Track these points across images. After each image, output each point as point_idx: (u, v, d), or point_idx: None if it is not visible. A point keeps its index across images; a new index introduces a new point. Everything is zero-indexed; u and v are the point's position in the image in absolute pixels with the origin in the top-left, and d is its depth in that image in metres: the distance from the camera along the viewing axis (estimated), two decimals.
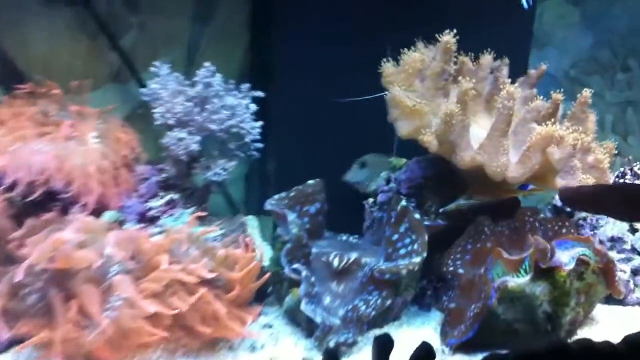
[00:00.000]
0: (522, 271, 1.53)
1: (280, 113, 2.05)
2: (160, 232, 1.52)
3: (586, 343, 1.28)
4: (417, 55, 1.69)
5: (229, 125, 1.73)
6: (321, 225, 1.69)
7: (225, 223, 1.68)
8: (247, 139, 1.78)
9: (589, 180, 1.64)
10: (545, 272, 1.51)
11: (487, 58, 1.78)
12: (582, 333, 1.64)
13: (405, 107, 1.62)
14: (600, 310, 1.73)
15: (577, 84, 2.35)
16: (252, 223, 2.28)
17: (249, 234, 1.71)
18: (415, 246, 1.57)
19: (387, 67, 1.69)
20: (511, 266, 1.53)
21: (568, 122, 1.73)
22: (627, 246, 1.83)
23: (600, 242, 1.84)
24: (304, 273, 1.50)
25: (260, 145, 1.84)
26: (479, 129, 1.70)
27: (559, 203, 2.05)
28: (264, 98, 1.85)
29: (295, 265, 1.52)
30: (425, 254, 1.56)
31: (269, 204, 1.63)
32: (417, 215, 1.59)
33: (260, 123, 1.82)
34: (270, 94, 1.88)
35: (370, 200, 1.93)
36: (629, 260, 1.79)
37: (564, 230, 1.71)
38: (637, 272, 1.77)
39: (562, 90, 1.72)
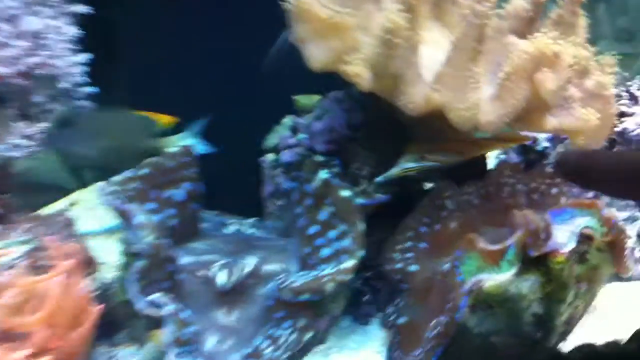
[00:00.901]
0: (504, 263, 1.06)
1: (123, 40, 1.43)
2: None
3: (588, 349, 1.10)
4: None
5: (30, 64, 1.11)
6: (195, 216, 1.13)
7: (38, 226, 1.09)
8: (64, 84, 1.16)
9: (591, 116, 1.16)
10: (535, 259, 1.07)
11: None
12: (578, 330, 1.21)
13: (319, 20, 1.06)
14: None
15: None
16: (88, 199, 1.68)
17: (79, 234, 1.13)
18: (346, 242, 1.06)
19: None
20: (490, 258, 1.07)
21: (554, 31, 1.22)
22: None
23: (595, 196, 1.39)
24: (168, 308, 0.96)
25: (91, 89, 1.23)
26: (428, 48, 1.17)
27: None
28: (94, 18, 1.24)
29: (154, 296, 0.97)
30: (362, 253, 1.05)
31: (103, 194, 1.04)
32: (345, 193, 1.07)
33: (85, 56, 1.20)
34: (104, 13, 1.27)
35: (270, 156, 1.38)
36: (633, 220, 1.36)
37: (554, 191, 1.24)
38: None
39: None
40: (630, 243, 1.35)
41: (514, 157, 1.62)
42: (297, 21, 1.09)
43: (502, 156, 1.71)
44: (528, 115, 1.15)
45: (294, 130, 1.36)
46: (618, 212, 1.38)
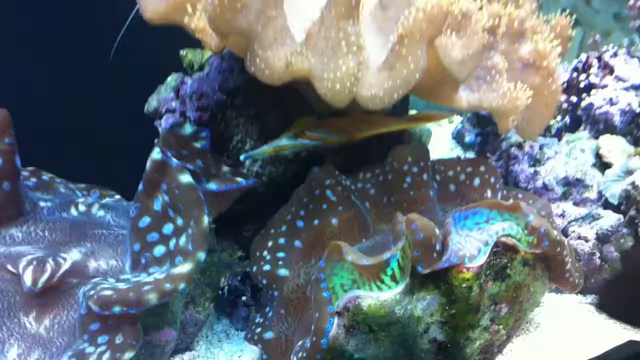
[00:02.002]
0: (386, 278, 0.88)
1: None
2: None
3: None
4: None
5: None
6: (14, 197, 0.97)
7: None
8: None
9: (520, 92, 0.95)
10: (434, 274, 0.89)
11: None
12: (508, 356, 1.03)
13: None
14: (543, 306, 1.15)
15: None
16: None
17: None
18: (183, 241, 0.88)
19: None
20: (366, 271, 0.87)
21: None
22: (592, 194, 1.17)
23: (545, 187, 1.17)
24: None
25: None
26: None
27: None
28: None
29: None
30: (202, 255, 0.88)
31: None
32: (185, 178, 0.88)
33: None
34: None
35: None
36: (593, 218, 1.14)
37: (476, 182, 1.03)
38: (605, 239, 1.13)
39: None
40: (587, 247, 1.14)
41: (468, 130, 1.41)
42: None
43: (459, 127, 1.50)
44: (435, 89, 0.95)
45: (178, 91, 1.17)
46: (574, 208, 1.17)
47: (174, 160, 0.89)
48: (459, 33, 0.87)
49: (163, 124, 1.16)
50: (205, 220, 0.89)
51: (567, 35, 1.05)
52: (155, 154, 0.89)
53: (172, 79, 1.18)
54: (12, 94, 1.33)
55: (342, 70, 0.85)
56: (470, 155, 1.53)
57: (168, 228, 0.90)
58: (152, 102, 1.18)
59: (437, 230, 0.87)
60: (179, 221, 0.89)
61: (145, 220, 0.90)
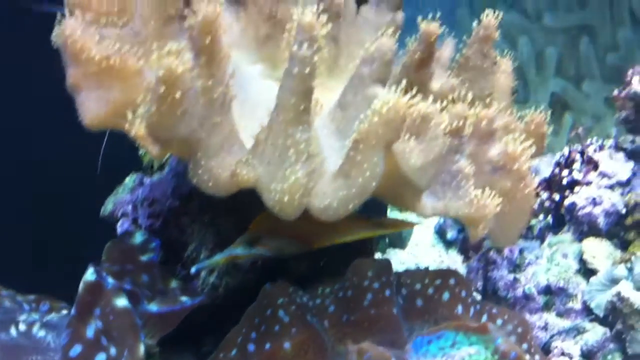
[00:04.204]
0: None
1: None
2: None
3: None
4: None
5: None
6: None
7: None
8: None
9: (491, 200, 0.87)
10: None
11: None
12: None
13: (91, 61, 0.80)
14: None
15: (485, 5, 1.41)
16: None
17: None
18: None
19: None
20: None
21: (454, 79, 0.94)
22: (576, 303, 1.07)
23: (525, 296, 1.08)
24: None
25: None
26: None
27: None
28: None
29: None
30: None
31: None
32: (120, 302, 0.80)
33: None
34: None
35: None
36: (578, 332, 1.04)
37: (445, 297, 0.94)
38: (591, 355, 1.02)
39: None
40: None
41: (450, 226, 1.32)
42: (68, 60, 0.83)
43: None
44: (397, 196, 0.87)
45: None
46: (558, 320, 1.07)
47: (110, 280, 0.81)
48: (418, 138, 0.80)
49: (119, 229, 1.08)
50: (141, 349, 0.80)
51: (543, 132, 0.98)
52: (89, 274, 0.80)
53: (130, 180, 1.11)
54: None
55: (290, 181, 0.77)
56: (453, 253, 1.44)
57: (100, 358, 0.80)
58: (108, 205, 1.10)
59: None
60: (112, 350, 0.80)
61: (77, 349, 0.81)
